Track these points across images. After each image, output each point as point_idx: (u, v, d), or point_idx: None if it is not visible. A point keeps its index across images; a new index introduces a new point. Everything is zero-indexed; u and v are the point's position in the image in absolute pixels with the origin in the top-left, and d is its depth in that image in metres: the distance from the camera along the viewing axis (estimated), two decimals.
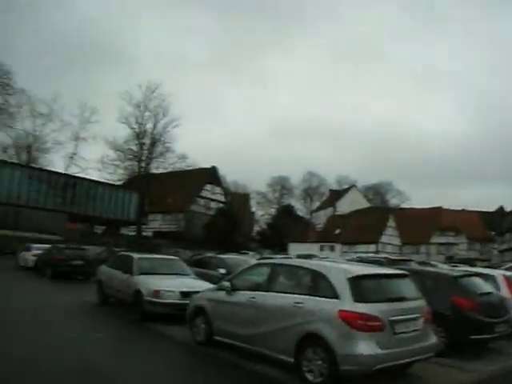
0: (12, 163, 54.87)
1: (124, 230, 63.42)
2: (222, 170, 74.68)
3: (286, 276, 7.88)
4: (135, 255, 13.33)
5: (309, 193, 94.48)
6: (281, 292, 7.45)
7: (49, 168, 57.24)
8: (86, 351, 8.25)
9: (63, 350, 8.26)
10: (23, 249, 29.20)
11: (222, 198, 71.84)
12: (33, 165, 57.65)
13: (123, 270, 12.69)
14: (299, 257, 24.07)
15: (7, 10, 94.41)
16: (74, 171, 56.62)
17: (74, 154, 57.99)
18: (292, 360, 6.84)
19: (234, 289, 8.26)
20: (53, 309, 12.93)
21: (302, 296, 6.99)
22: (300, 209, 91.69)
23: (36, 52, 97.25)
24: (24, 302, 14.28)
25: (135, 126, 55.98)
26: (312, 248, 56.39)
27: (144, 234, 60.13)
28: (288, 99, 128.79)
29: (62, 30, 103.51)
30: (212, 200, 69.89)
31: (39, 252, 25.73)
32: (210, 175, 70.12)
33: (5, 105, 54.20)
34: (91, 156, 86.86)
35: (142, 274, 11.99)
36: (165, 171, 57.91)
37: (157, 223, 67.37)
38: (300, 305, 6.88)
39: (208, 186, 70.51)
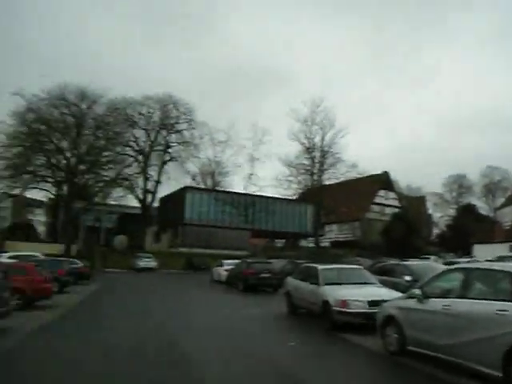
0: (200, 189, 60.38)
1: (303, 242, 64.81)
2: (394, 175, 72.26)
3: (483, 281, 7.19)
4: (319, 266, 13.45)
5: (490, 189, 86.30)
6: (478, 299, 6.81)
7: (230, 190, 61.26)
8: (282, 359, 8.50)
9: (260, 357, 8.64)
10: (216, 265, 31.52)
11: (397, 203, 69.52)
12: (217, 188, 62.30)
13: (309, 281, 12.91)
14: (500, 259, 21.92)
15: (184, 50, 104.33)
16: (252, 190, 59.72)
17: (251, 174, 61.17)
18: (499, 374, 6.13)
19: (425, 296, 7.82)
20: (248, 319, 13.64)
21: (505, 303, 6.28)
22: (482, 207, 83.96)
23: (210, 85, 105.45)
24: (222, 312, 15.35)
25: (304, 141, 57.24)
26: (500, 249, 51.08)
27: (322, 244, 60.69)
28: (454, 93, 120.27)
29: (229, 63, 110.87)
30: (386, 206, 68.05)
31: (230, 267, 27.49)
32: (383, 181, 68.45)
33: (191, 138, 59.79)
34: (266, 174, 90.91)
35: (327, 284, 12.05)
36: (337, 181, 58.02)
37: (333, 233, 67.67)
38: (504, 312, 6.18)
39: (381, 192, 68.91)
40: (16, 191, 53.73)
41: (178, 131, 60.51)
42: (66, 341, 9.83)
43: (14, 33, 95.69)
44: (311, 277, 12.94)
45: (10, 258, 25.33)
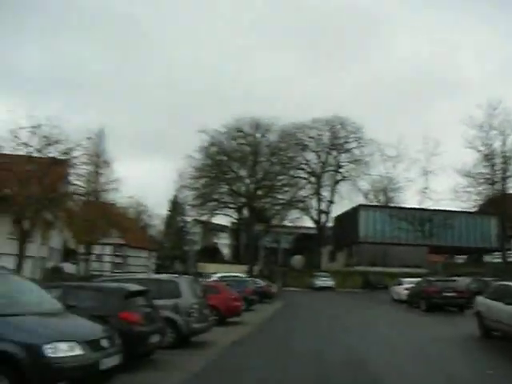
0: (374, 206, 59.41)
1: (487, 258, 59.39)
2: None
3: None
4: None
5: None
6: None
7: (405, 205, 59.03)
8: None
9: None
10: (394, 283, 30.40)
11: None
12: (390, 204, 60.56)
13: (505, 301, 11.65)
14: None
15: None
16: (427, 205, 56.64)
17: (426, 188, 58.12)
18: None
19: None
20: (436, 340, 12.78)
21: None
22: None
23: (375, 100, 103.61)
24: (408, 333, 14.79)
25: (482, 148, 52.52)
26: None
27: (510, 259, 54.77)
28: None
29: (392, 75, 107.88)
30: None
31: (410, 286, 26.29)
32: None
33: (361, 156, 59.39)
34: (442, 187, 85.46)
35: None
36: None
37: None
38: None
39: None
40: (204, 218, 58.94)
41: (348, 150, 60.55)
42: (258, 357, 10.31)
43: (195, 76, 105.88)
44: (507, 296, 11.69)
45: (220, 278, 27.46)
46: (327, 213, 60.78)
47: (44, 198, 23.06)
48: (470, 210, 56.60)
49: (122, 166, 71.51)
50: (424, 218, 54.47)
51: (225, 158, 54.73)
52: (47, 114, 24.22)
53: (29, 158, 23.80)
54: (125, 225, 44.48)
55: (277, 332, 15.22)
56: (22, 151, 23.92)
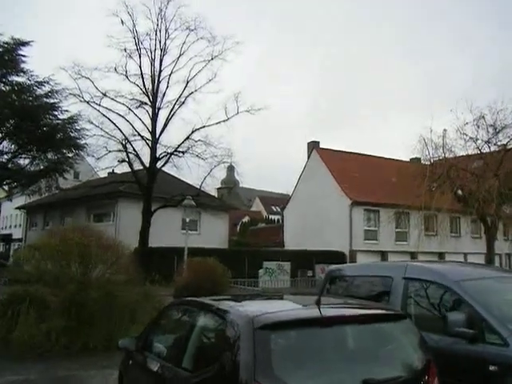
0: None
1: None
2: None
3: None
4: None
5: None
6: None
7: None
8: None
9: None
10: None
11: None
12: None
13: None
14: None
15: None
16: None
17: None
18: None
19: None
20: None
21: None
22: None
23: None
24: None
25: None
26: None
27: None
28: None
29: None
30: None
31: None
32: None
33: None
34: None
35: None
36: None
37: None
38: None
39: None
40: None
41: None
42: None
43: None
44: None
45: None
46: None
47: (504, 190, 19.76)
48: None
49: None
50: None
51: None
52: (488, 102, 21.24)
53: (479, 152, 21.19)
54: None
55: None
56: (472, 147, 21.53)
